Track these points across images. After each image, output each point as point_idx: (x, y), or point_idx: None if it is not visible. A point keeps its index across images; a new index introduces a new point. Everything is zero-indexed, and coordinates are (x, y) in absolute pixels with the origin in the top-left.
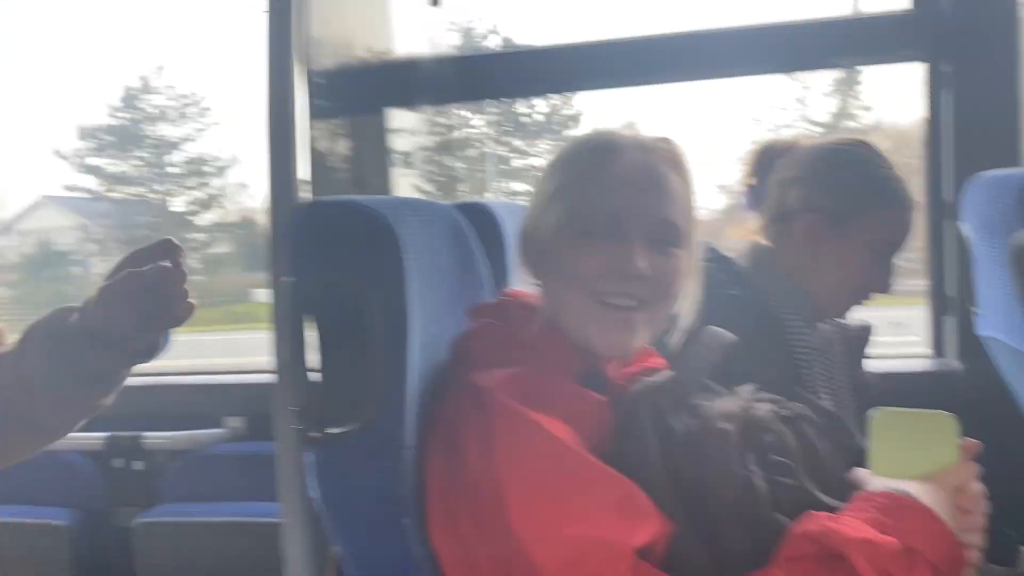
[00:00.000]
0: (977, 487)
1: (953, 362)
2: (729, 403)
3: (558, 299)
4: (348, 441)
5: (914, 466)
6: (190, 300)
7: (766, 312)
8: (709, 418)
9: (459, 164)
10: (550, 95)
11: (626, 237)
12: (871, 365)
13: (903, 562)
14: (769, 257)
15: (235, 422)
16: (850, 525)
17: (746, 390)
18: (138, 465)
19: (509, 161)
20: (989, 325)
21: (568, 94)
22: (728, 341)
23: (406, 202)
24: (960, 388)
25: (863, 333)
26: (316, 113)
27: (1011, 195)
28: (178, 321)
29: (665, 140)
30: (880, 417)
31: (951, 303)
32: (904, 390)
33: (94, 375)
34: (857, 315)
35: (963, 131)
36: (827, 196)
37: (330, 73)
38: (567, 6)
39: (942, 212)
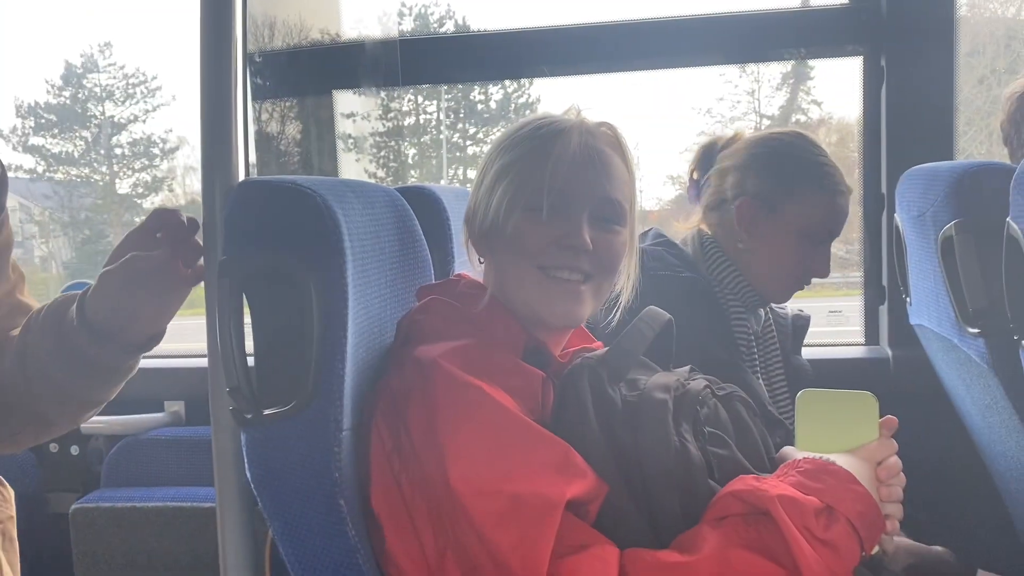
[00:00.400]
0: (895, 462)
1: (884, 349)
2: (666, 377)
3: (505, 273)
4: (283, 421)
5: (837, 442)
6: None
7: (709, 296)
8: (646, 388)
9: (412, 151)
10: (501, 81)
11: (571, 213)
12: (808, 353)
13: (823, 518)
14: (711, 244)
15: (175, 407)
16: (774, 485)
17: (682, 371)
18: (75, 450)
19: (465, 148)
20: (920, 313)
21: (519, 80)
22: (663, 320)
23: (346, 183)
24: (890, 374)
25: (801, 322)
26: (259, 94)
27: (941, 188)
28: (177, 305)
29: (607, 124)
30: (806, 397)
31: (885, 293)
32: (837, 376)
33: (96, 370)
34: (797, 306)
35: (897, 125)
36: (760, 181)
37: (276, 54)
38: None
39: (878, 204)
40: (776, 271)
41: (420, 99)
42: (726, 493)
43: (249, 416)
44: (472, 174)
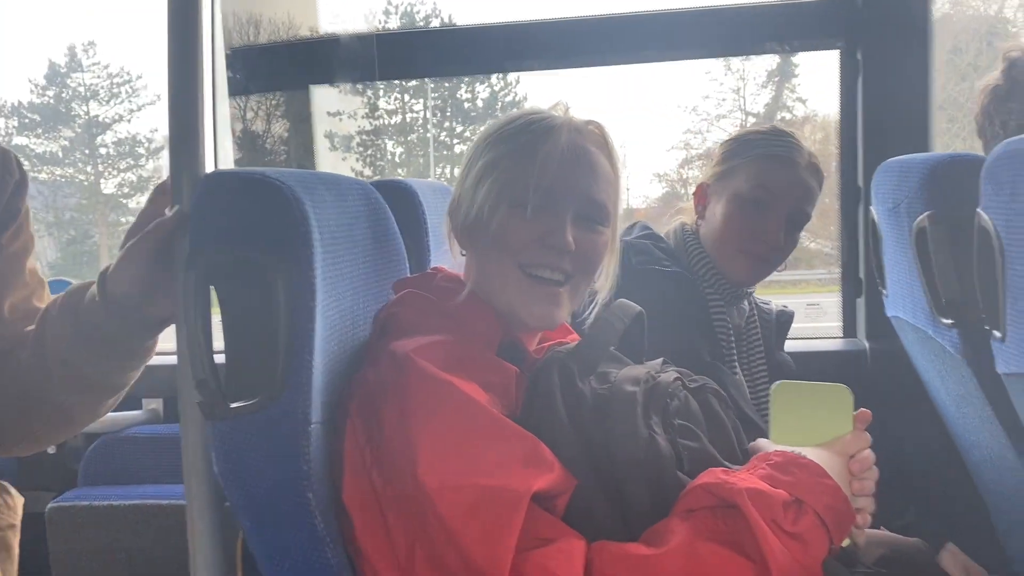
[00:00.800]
0: (868, 455)
1: (862, 341)
2: (636, 370)
3: (486, 269)
4: (250, 415)
5: (811, 435)
6: None
7: (692, 289)
8: (616, 381)
9: (400, 149)
10: (481, 75)
11: (556, 212)
12: (787, 345)
13: (791, 512)
14: (690, 236)
15: (153, 404)
16: (743, 478)
17: (654, 363)
18: (51, 449)
19: (452, 146)
20: (896, 305)
21: (506, 78)
22: (633, 312)
23: (318, 176)
24: (867, 366)
25: (785, 318)
26: (236, 90)
27: (915, 179)
28: None
29: (595, 123)
30: (780, 389)
31: (862, 285)
32: (816, 369)
33: (115, 350)
34: (782, 302)
35: (873, 118)
36: (713, 168)
37: (251, 49)
38: None
39: (855, 197)
40: (726, 246)
41: (407, 98)
42: (695, 486)
43: (216, 410)
44: (459, 172)
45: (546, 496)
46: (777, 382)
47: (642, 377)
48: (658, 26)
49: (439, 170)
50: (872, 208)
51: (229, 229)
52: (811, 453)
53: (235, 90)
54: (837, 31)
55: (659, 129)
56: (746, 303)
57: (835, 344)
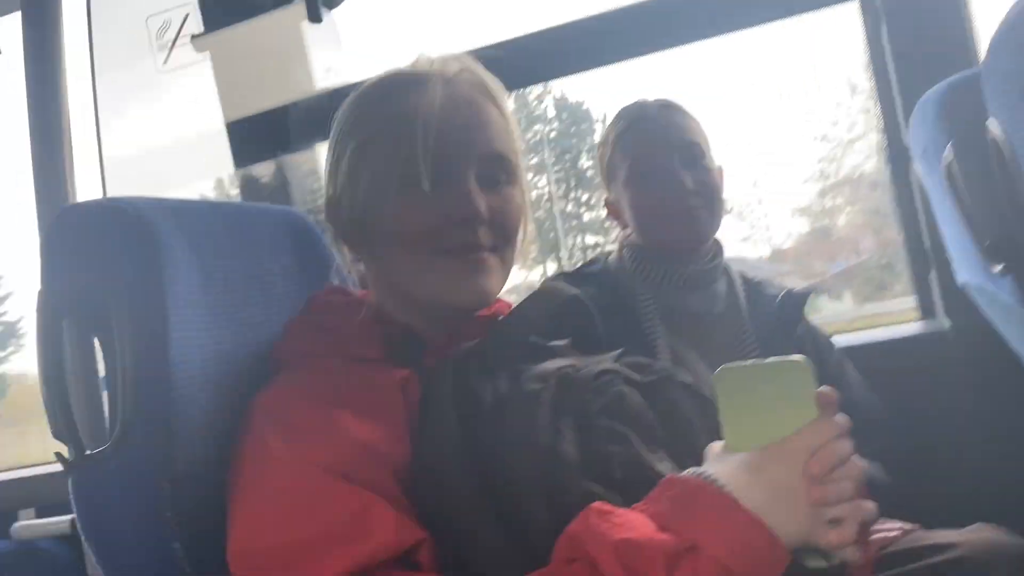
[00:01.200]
0: (834, 449)
1: (941, 320)
2: (556, 363)
3: (394, 266)
4: (106, 462)
5: (768, 428)
6: None
7: (612, 279)
8: (519, 380)
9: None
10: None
11: (455, 178)
12: (856, 337)
13: (684, 563)
14: (626, 245)
15: None
16: (622, 523)
17: (605, 356)
18: None
19: (581, 215)
20: (961, 269)
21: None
22: (564, 296)
23: (216, 205)
24: (951, 347)
25: (793, 299)
26: (242, 161)
27: (931, 110)
28: None
29: (468, 68)
30: (722, 376)
31: (930, 257)
32: (892, 360)
33: None
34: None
35: (906, 66)
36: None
37: (250, 119)
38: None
39: (904, 158)
40: (647, 229)
41: (529, 176)
42: (565, 533)
43: (69, 458)
44: (591, 239)
45: (394, 559)
46: (720, 367)
47: (553, 372)
48: (648, 11)
49: (571, 241)
50: (915, 162)
51: (76, 263)
52: (751, 462)
53: (241, 162)
54: None
55: (792, 164)
56: (721, 285)
57: (911, 329)
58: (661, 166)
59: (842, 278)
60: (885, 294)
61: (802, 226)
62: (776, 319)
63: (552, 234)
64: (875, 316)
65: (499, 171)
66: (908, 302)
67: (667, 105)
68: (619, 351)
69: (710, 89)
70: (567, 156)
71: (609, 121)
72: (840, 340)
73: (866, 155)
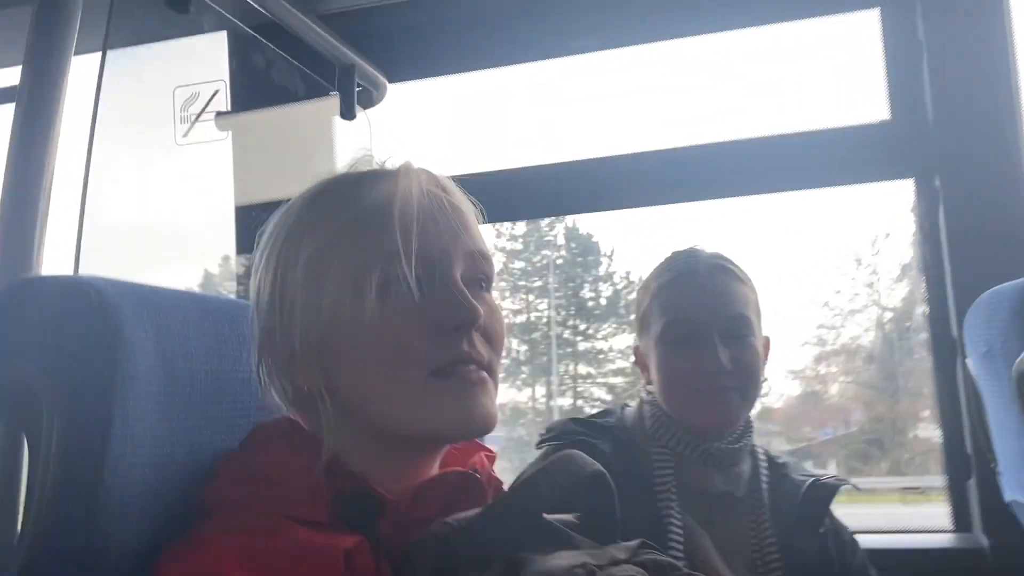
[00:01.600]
0: None
1: (978, 536)
2: (573, 558)
3: (362, 394)
4: None
5: None
6: None
7: (628, 446)
8: None
9: (524, 347)
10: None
11: (445, 280)
12: (885, 540)
13: None
14: (648, 403)
15: None
16: None
17: (627, 546)
18: None
19: (576, 344)
20: (1012, 484)
21: (630, 279)
22: (583, 471)
23: (191, 295)
24: (988, 568)
25: (818, 491)
26: (245, 247)
27: (1006, 311)
28: None
29: (425, 170)
30: None
31: (971, 463)
32: (926, 572)
33: None
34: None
35: (961, 253)
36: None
37: (264, 205)
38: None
39: (950, 351)
40: (674, 394)
41: (531, 298)
42: None
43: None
44: (584, 368)
45: None
46: None
47: (565, 570)
48: (696, 163)
49: (562, 368)
50: (968, 361)
51: (21, 346)
52: None
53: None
54: (908, 156)
55: (791, 325)
56: (745, 466)
57: (945, 540)
58: (699, 337)
59: (829, 446)
60: (871, 470)
61: (794, 388)
62: (800, 510)
63: (545, 357)
64: (855, 494)
65: (483, 271)
66: (895, 481)
67: (720, 265)
68: (637, 542)
69: (725, 242)
70: (571, 284)
71: (651, 271)
72: (865, 540)
73: (865, 328)
